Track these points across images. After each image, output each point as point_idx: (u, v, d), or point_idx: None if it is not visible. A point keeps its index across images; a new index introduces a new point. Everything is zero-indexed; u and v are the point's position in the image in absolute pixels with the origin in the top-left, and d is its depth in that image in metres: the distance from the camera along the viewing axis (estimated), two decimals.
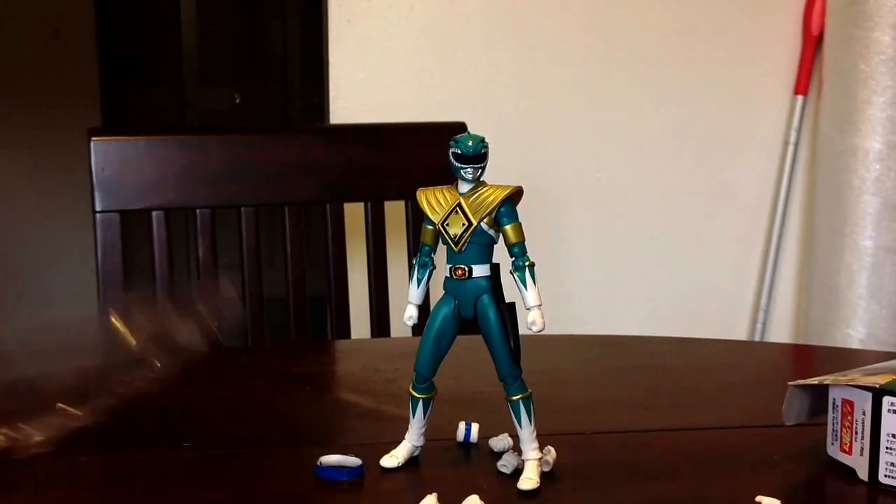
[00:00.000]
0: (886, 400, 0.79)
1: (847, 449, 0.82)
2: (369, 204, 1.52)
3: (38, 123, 3.55)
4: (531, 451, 0.79)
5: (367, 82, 1.94)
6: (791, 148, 2.04)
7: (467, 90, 1.97)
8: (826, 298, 1.93)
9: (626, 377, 1.12)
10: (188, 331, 0.90)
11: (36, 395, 0.88)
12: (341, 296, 1.51)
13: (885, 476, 0.79)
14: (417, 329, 0.84)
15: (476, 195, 0.78)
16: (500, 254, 0.79)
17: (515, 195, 0.78)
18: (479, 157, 0.77)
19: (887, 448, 0.79)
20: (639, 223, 2.07)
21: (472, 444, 0.88)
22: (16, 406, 0.86)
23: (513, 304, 0.79)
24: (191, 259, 1.65)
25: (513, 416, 0.79)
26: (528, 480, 0.78)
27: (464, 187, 0.78)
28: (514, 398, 0.79)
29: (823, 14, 1.96)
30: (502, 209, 0.77)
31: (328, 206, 1.50)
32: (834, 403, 0.83)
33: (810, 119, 2.04)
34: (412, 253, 1.53)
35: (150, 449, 0.88)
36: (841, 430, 0.82)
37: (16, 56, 3.55)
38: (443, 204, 0.78)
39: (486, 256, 0.79)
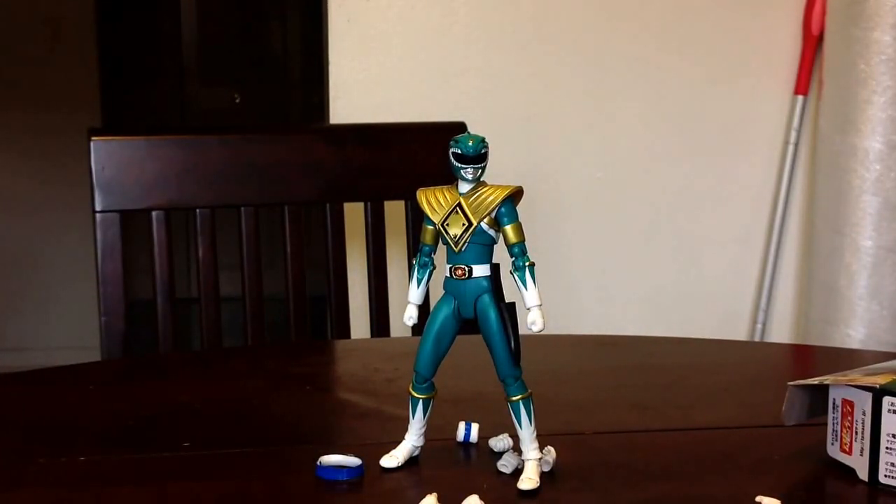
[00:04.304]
0: (886, 400, 0.79)
1: (847, 449, 0.82)
2: (369, 204, 1.52)
3: (37, 123, 3.55)
4: (531, 451, 0.79)
5: (367, 82, 1.94)
6: (791, 148, 2.04)
7: (467, 90, 1.97)
8: (826, 298, 1.93)
9: (626, 377, 1.12)
10: None
11: None
12: (341, 296, 1.51)
13: (885, 476, 0.79)
14: (417, 329, 0.84)
15: (476, 195, 0.78)
16: (500, 254, 0.79)
17: (515, 195, 0.78)
18: (479, 157, 0.76)
19: (887, 448, 0.79)
20: (638, 223, 2.07)
21: (472, 444, 0.88)
22: None
23: (513, 304, 0.79)
24: (191, 259, 1.65)
25: (513, 416, 0.79)
26: (528, 480, 0.78)
27: (464, 187, 0.78)
28: (514, 398, 0.79)
29: (823, 14, 1.96)
30: (502, 209, 0.77)
31: (328, 206, 1.50)
32: (834, 403, 0.83)
33: (810, 119, 2.04)
34: (412, 253, 1.53)
35: (150, 449, 0.88)
36: (841, 430, 0.82)
37: (16, 57, 3.55)
38: (443, 204, 0.78)
39: (486, 256, 0.78)
